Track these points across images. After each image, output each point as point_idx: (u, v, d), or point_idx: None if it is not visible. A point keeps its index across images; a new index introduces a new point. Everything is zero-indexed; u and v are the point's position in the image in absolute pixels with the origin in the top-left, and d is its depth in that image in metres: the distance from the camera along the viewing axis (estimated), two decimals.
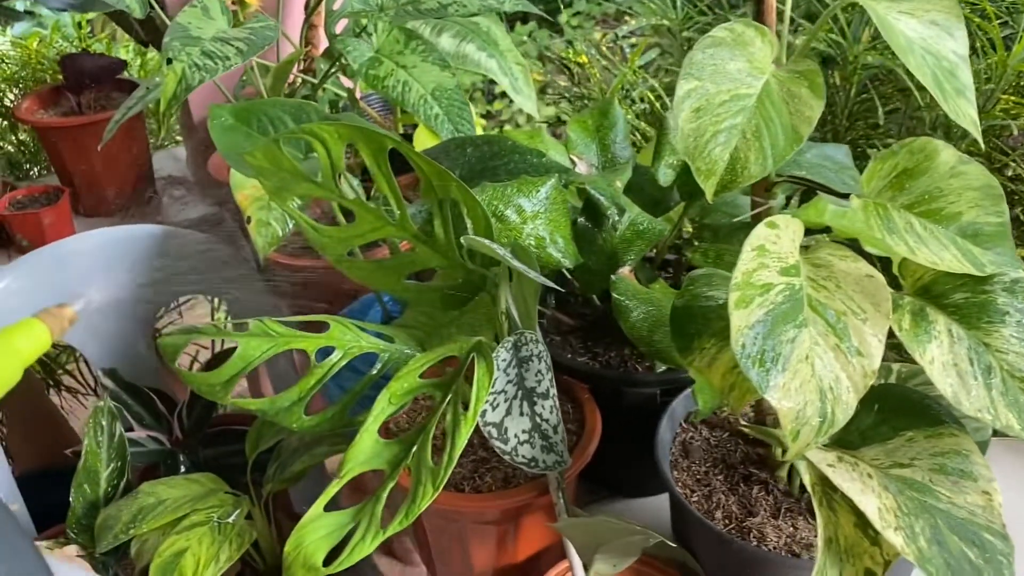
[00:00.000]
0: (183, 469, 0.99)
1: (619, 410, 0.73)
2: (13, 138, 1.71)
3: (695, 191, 0.78)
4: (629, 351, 0.78)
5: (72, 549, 0.83)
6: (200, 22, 0.84)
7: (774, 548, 0.60)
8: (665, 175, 0.77)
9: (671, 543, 0.60)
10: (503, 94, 1.32)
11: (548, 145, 0.81)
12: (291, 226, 0.94)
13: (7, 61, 1.74)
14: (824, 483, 0.54)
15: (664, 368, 0.74)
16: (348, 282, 0.98)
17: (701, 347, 0.57)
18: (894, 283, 0.57)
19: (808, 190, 0.84)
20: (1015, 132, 1.08)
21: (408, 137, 1.07)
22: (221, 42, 0.81)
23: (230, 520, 0.84)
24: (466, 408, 0.57)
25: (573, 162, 0.83)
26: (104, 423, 0.89)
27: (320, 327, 0.65)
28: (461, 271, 0.65)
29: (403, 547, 1.61)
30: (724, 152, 0.52)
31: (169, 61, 0.77)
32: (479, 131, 0.90)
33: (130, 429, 0.97)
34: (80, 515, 0.85)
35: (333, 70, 1.01)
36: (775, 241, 0.52)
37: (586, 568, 0.63)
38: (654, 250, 0.85)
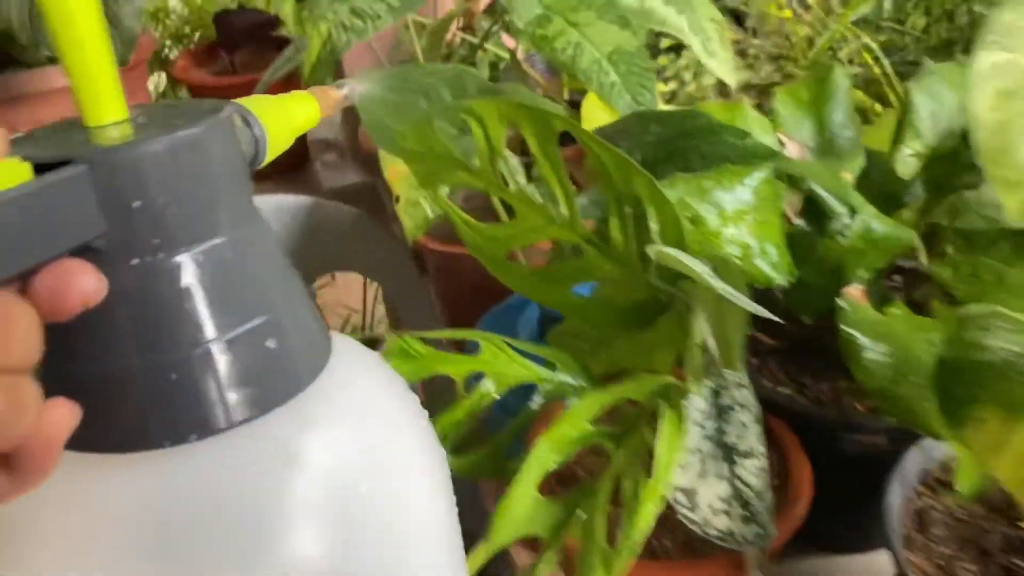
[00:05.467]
0: None
1: (831, 460, 0.59)
2: (174, 95, 1.70)
3: (945, 184, 0.61)
4: (846, 383, 0.63)
5: None
6: None
7: None
8: (906, 164, 0.60)
9: None
10: (668, 49, 1.15)
11: (751, 123, 0.66)
12: None
13: (173, 16, 1.72)
14: None
15: None
16: None
17: (978, 418, 0.42)
18: None
19: None
20: None
21: (575, 105, 0.94)
22: None
23: None
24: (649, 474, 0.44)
25: (781, 143, 0.67)
26: None
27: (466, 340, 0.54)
28: (642, 286, 0.53)
29: None
30: None
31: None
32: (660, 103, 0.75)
33: None
34: None
35: (495, 28, 0.89)
36: None
37: None
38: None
